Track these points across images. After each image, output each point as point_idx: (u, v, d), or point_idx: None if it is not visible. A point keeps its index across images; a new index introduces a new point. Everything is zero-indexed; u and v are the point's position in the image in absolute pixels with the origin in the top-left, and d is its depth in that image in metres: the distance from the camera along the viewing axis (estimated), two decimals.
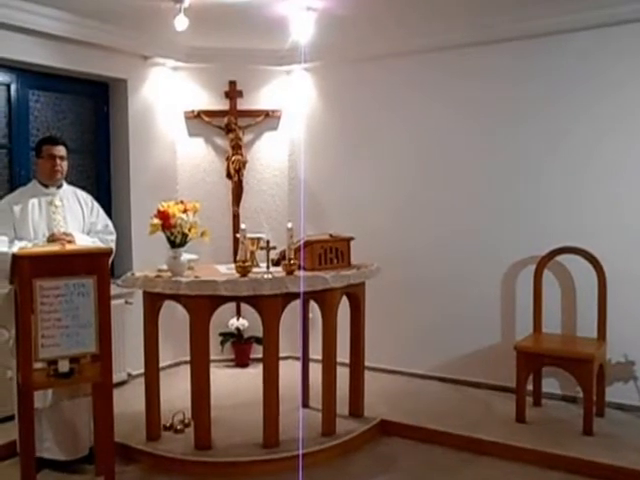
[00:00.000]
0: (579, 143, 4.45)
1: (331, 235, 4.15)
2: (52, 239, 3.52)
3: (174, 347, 5.09)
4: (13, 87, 4.54)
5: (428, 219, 5.06)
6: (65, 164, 3.75)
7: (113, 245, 3.87)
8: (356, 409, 4.21)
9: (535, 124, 4.59)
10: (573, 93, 4.45)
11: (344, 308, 4.11)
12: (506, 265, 4.73)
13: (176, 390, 4.41)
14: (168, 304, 3.88)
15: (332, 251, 4.07)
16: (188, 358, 3.86)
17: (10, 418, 3.90)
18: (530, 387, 4.27)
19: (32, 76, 4.64)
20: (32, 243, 3.54)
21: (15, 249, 3.33)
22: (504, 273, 4.75)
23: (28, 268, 3.04)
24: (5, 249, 3.40)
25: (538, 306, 4.43)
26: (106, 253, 3.35)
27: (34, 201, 3.67)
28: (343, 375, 4.11)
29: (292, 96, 5.66)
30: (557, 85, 4.50)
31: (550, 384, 4.50)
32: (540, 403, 4.41)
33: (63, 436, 3.57)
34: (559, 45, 4.46)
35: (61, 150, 3.72)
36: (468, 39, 4.71)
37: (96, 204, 4.00)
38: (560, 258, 4.43)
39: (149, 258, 4.51)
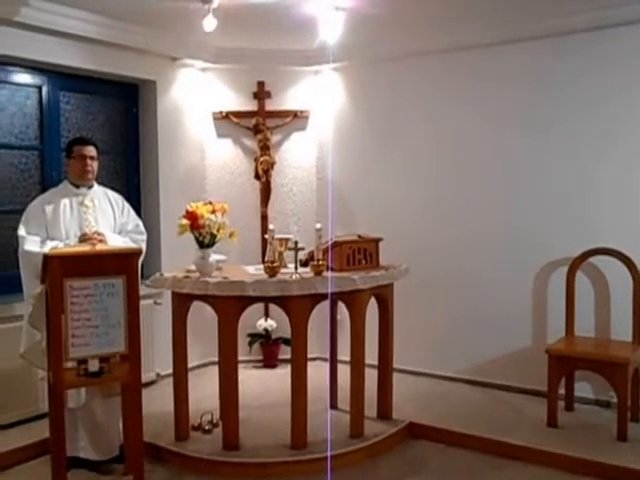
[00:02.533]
0: (614, 143, 4.35)
1: (359, 236, 4.12)
2: (84, 239, 3.54)
3: (202, 347, 5.10)
4: (44, 89, 4.60)
5: (457, 219, 5.00)
6: (96, 164, 3.78)
7: (144, 245, 3.88)
8: (384, 411, 4.18)
9: (567, 125, 4.51)
10: (616, 93, 4.34)
11: (372, 309, 4.08)
12: (538, 266, 4.65)
13: (204, 390, 4.42)
14: (196, 304, 3.89)
15: (360, 252, 4.04)
16: (216, 359, 3.86)
17: (40, 417, 3.96)
18: (562, 391, 4.18)
19: (63, 78, 4.69)
20: (64, 243, 3.57)
21: (47, 249, 3.36)
22: (535, 274, 4.66)
23: (59, 268, 3.07)
24: (37, 249, 3.45)
25: (570, 308, 4.35)
26: (135, 253, 3.35)
27: (65, 201, 3.70)
28: (371, 377, 4.08)
29: (320, 96, 5.65)
30: (599, 85, 4.39)
31: (583, 388, 4.41)
32: (572, 407, 4.33)
33: (96, 436, 3.60)
34: (593, 43, 4.37)
35: (91, 150, 3.75)
36: (499, 37, 4.64)
37: (127, 204, 4.01)
38: (593, 259, 4.34)
39: (177, 259, 4.53)
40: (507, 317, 4.76)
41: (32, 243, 3.51)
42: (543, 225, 4.62)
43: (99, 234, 3.60)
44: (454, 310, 5.02)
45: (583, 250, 4.33)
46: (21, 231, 3.57)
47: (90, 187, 3.82)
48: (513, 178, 4.75)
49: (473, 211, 4.93)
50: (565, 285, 4.36)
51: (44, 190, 4.14)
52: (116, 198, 3.97)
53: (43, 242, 3.55)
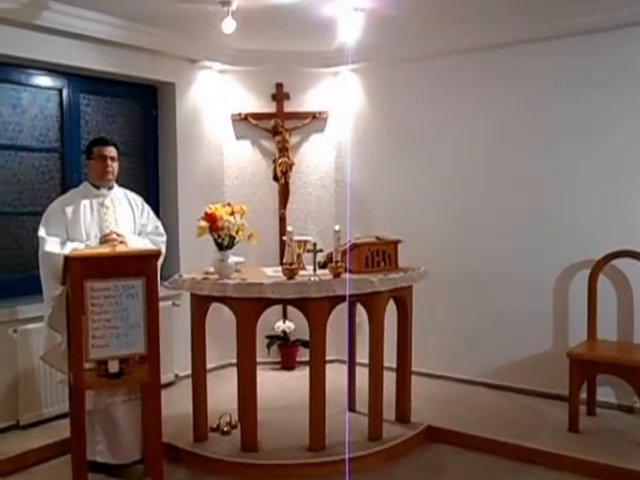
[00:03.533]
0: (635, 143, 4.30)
1: (378, 237, 4.10)
2: (105, 240, 3.55)
3: (221, 349, 5.11)
4: (65, 92, 4.64)
5: (476, 220, 4.96)
6: (116, 165, 3.78)
7: (163, 247, 3.89)
8: (403, 414, 4.15)
9: (591, 124, 4.46)
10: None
11: (391, 311, 4.05)
12: (559, 269, 4.59)
13: (222, 392, 4.42)
14: (215, 306, 3.89)
15: (379, 254, 4.02)
16: (234, 360, 3.87)
17: (62, 417, 3.98)
18: (583, 395, 4.14)
19: (83, 80, 4.73)
20: (84, 244, 3.58)
21: (67, 250, 3.37)
22: (557, 277, 4.61)
23: (79, 269, 3.09)
24: (57, 250, 3.46)
25: (593, 311, 4.29)
26: (155, 255, 3.36)
27: (85, 202, 3.71)
28: (389, 379, 4.06)
29: (339, 97, 5.64)
30: (623, 83, 4.32)
31: (605, 393, 4.35)
32: (594, 412, 4.27)
33: (116, 440, 3.59)
34: (615, 43, 4.31)
35: (112, 151, 3.75)
36: (516, 37, 4.59)
37: (146, 206, 4.02)
38: (616, 262, 4.28)
39: (196, 260, 4.54)
40: (527, 319, 4.71)
41: (52, 244, 3.52)
42: (565, 226, 4.56)
43: (119, 235, 3.61)
44: (474, 312, 4.98)
45: (606, 252, 4.27)
46: (41, 232, 3.58)
47: (110, 188, 3.82)
48: (533, 179, 4.70)
49: (493, 212, 4.89)
50: (587, 287, 4.31)
51: (64, 192, 4.17)
52: (136, 199, 3.97)
53: (63, 243, 3.56)
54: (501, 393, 4.77)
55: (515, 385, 4.77)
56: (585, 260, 4.42)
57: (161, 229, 4.03)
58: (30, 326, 4.03)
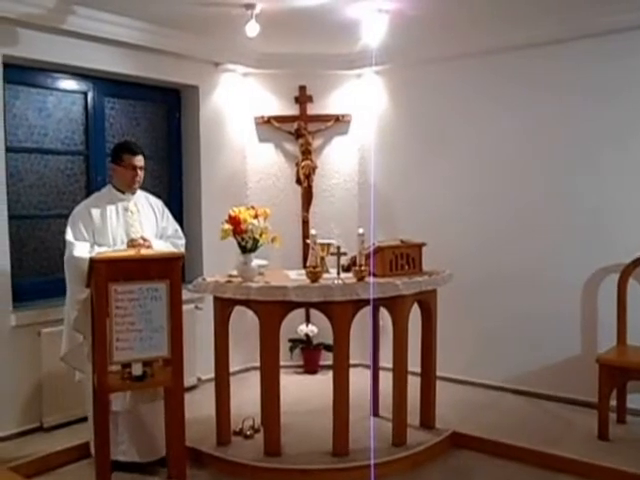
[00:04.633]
0: None
1: (402, 241, 4.06)
2: (132, 244, 3.58)
3: (243, 353, 5.09)
4: (90, 95, 4.67)
5: (502, 224, 4.88)
6: (143, 173, 3.83)
7: (183, 249, 3.91)
8: (427, 420, 4.10)
9: (617, 126, 4.37)
10: None
11: (415, 316, 4.01)
12: (588, 272, 4.50)
13: (245, 395, 4.41)
14: (238, 309, 3.88)
15: (403, 257, 3.98)
16: (257, 364, 3.85)
17: (84, 419, 3.99)
18: (613, 402, 4.04)
19: (107, 84, 4.76)
20: (112, 249, 3.59)
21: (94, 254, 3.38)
22: (585, 281, 4.52)
23: (104, 272, 3.09)
24: (86, 255, 3.41)
25: (622, 316, 4.20)
26: (179, 258, 3.36)
27: (111, 207, 3.74)
28: (413, 384, 4.01)
29: (362, 100, 5.60)
30: None
31: (635, 400, 4.24)
32: (624, 420, 4.17)
33: (139, 439, 3.61)
34: None
35: (141, 160, 3.79)
36: (543, 38, 4.52)
37: (166, 209, 4.05)
38: None
39: (219, 263, 4.54)
40: (555, 324, 4.62)
41: (81, 249, 3.54)
42: (594, 229, 4.47)
43: (145, 240, 3.63)
44: (499, 316, 4.90)
45: (636, 256, 4.18)
46: (69, 236, 3.61)
47: (133, 192, 3.85)
48: (560, 182, 4.62)
49: (519, 216, 4.81)
50: (617, 291, 4.22)
51: (89, 195, 4.19)
52: (156, 203, 4.01)
53: (91, 247, 3.58)
54: (527, 399, 4.69)
55: (542, 391, 4.68)
56: (614, 264, 4.33)
57: (180, 232, 4.06)
58: (54, 328, 4.04)
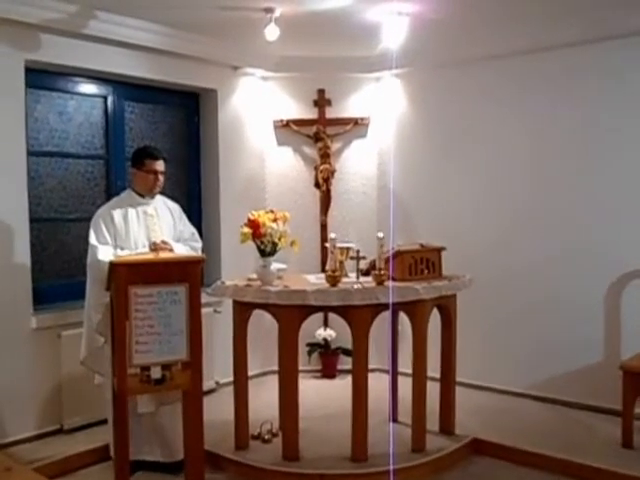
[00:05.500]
0: None
1: (422, 245, 4.04)
2: (154, 248, 3.59)
3: (261, 356, 5.09)
4: (110, 99, 4.70)
5: (523, 228, 4.83)
6: (163, 178, 3.84)
7: (200, 253, 3.92)
8: (447, 425, 4.06)
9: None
10: None
11: (435, 320, 3.97)
12: (611, 277, 4.43)
13: (263, 399, 4.40)
14: (256, 313, 3.87)
15: (423, 261, 3.95)
16: (275, 368, 3.85)
17: (100, 422, 4.01)
18: (637, 410, 3.96)
19: (127, 88, 4.78)
20: (134, 253, 3.60)
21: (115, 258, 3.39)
22: (608, 286, 4.45)
23: (125, 275, 3.10)
24: (111, 259, 3.43)
25: None
26: (198, 261, 3.37)
27: (132, 211, 3.76)
28: (433, 390, 3.97)
29: (381, 103, 5.58)
30: None
31: None
32: None
33: (162, 439, 3.64)
34: None
35: (162, 165, 3.81)
36: (564, 39, 4.47)
37: (183, 213, 4.07)
38: None
39: (237, 267, 4.54)
40: (577, 330, 4.55)
41: (105, 253, 3.55)
42: (616, 235, 4.41)
43: (166, 243, 3.65)
44: (520, 322, 4.84)
45: None
46: (92, 240, 3.62)
47: (153, 197, 3.87)
48: (583, 189, 4.56)
49: (540, 220, 4.76)
50: None
51: (109, 198, 4.21)
52: (174, 207, 4.03)
53: (114, 251, 3.60)
54: (549, 406, 4.63)
55: (564, 398, 4.61)
56: (637, 270, 4.26)
57: (197, 235, 4.07)
58: (74, 331, 4.05)
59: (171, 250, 3.59)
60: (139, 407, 3.44)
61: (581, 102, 4.53)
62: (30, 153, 4.18)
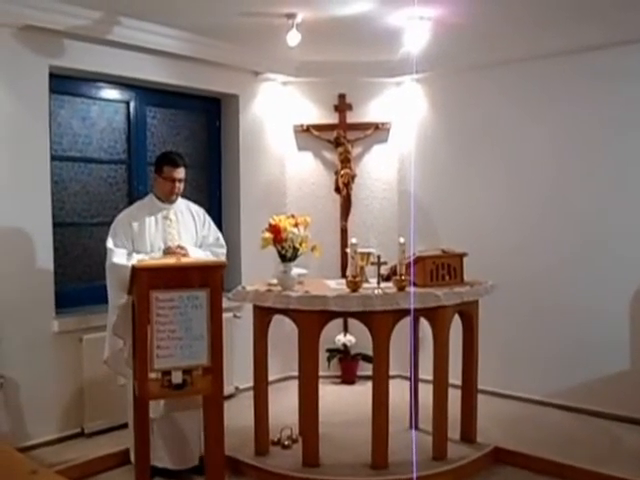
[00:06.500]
0: None
1: (443, 250, 4.00)
2: (168, 252, 3.62)
3: (281, 362, 5.07)
4: (132, 104, 4.74)
5: (546, 234, 4.77)
6: (182, 185, 3.85)
7: (223, 258, 3.91)
8: (468, 434, 4.01)
9: None
10: None
11: (456, 327, 3.93)
12: (637, 281, 4.36)
13: (283, 405, 4.38)
14: (277, 318, 3.86)
15: (444, 267, 3.91)
16: (295, 373, 3.83)
17: (121, 427, 4.02)
18: None
19: (149, 93, 4.82)
20: (149, 256, 3.64)
21: (133, 262, 3.41)
22: (635, 292, 4.37)
23: (146, 280, 3.11)
24: (124, 262, 3.53)
25: None
26: (220, 266, 3.37)
27: (151, 215, 3.79)
28: (454, 397, 3.93)
29: (402, 108, 5.56)
30: None
31: None
32: None
33: (173, 446, 3.64)
34: None
35: (181, 172, 3.82)
36: (587, 42, 4.42)
37: (208, 217, 4.06)
38: None
39: (257, 272, 4.53)
40: (602, 337, 4.48)
41: (120, 256, 3.60)
42: None
43: (181, 248, 3.65)
44: (543, 329, 4.78)
45: None
46: (109, 244, 3.67)
47: (172, 202, 3.88)
48: (606, 191, 4.50)
49: (563, 223, 4.69)
50: None
51: (131, 203, 4.24)
52: (198, 211, 4.02)
53: (129, 255, 3.63)
54: (573, 415, 4.55)
55: (589, 407, 4.53)
56: None
57: (222, 240, 4.06)
58: (96, 335, 4.08)
59: (185, 254, 3.59)
60: (150, 412, 3.40)
61: (603, 105, 4.48)
62: (54, 158, 4.23)
